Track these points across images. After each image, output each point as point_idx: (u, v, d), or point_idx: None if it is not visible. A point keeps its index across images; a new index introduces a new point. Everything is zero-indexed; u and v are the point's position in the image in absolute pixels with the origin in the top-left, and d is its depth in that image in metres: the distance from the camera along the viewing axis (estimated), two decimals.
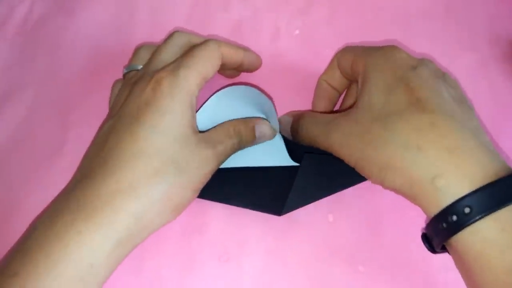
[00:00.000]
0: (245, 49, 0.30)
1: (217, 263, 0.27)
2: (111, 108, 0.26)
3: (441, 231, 0.19)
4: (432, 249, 0.21)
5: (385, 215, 0.27)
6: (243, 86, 0.28)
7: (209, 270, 0.26)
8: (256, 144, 0.28)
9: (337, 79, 0.28)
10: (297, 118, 0.27)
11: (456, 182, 0.18)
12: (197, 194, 0.24)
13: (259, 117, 0.28)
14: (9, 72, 0.36)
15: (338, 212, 0.28)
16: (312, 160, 0.27)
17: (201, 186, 0.24)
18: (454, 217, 0.18)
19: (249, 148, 0.28)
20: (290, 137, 0.28)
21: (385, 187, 0.21)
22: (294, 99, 0.32)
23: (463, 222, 0.18)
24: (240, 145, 0.27)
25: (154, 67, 0.25)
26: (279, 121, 0.29)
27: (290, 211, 0.27)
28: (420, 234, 0.25)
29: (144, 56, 0.28)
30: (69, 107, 0.34)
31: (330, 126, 0.24)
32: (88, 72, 0.35)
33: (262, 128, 0.27)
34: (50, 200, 0.30)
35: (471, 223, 0.18)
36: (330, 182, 0.28)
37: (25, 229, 0.29)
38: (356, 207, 0.28)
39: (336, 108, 0.31)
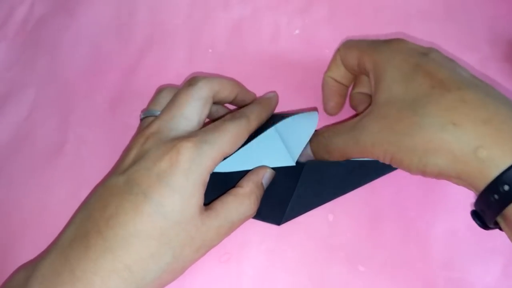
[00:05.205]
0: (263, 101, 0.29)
1: (217, 264, 0.27)
2: (123, 158, 0.24)
3: (493, 204, 0.18)
4: (484, 225, 0.21)
5: (385, 215, 0.27)
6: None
7: (210, 270, 0.26)
8: None
9: (342, 74, 0.28)
10: (314, 139, 0.26)
11: (498, 151, 0.18)
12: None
13: (264, 167, 0.27)
14: (9, 72, 0.36)
15: (338, 212, 0.28)
16: (312, 168, 0.27)
17: (192, 264, 0.23)
18: (506, 187, 0.18)
19: (248, 150, 0.28)
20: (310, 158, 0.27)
21: (428, 174, 0.21)
22: (294, 99, 0.32)
23: None
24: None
25: (175, 124, 0.24)
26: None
27: (289, 220, 0.27)
28: (417, 233, 0.25)
29: (166, 101, 0.26)
30: (69, 107, 0.34)
31: (356, 131, 0.23)
32: (88, 72, 0.35)
33: (266, 178, 0.27)
34: (50, 200, 0.30)
35: None
36: (330, 189, 0.28)
37: (24, 229, 0.29)
38: (356, 207, 0.28)
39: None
